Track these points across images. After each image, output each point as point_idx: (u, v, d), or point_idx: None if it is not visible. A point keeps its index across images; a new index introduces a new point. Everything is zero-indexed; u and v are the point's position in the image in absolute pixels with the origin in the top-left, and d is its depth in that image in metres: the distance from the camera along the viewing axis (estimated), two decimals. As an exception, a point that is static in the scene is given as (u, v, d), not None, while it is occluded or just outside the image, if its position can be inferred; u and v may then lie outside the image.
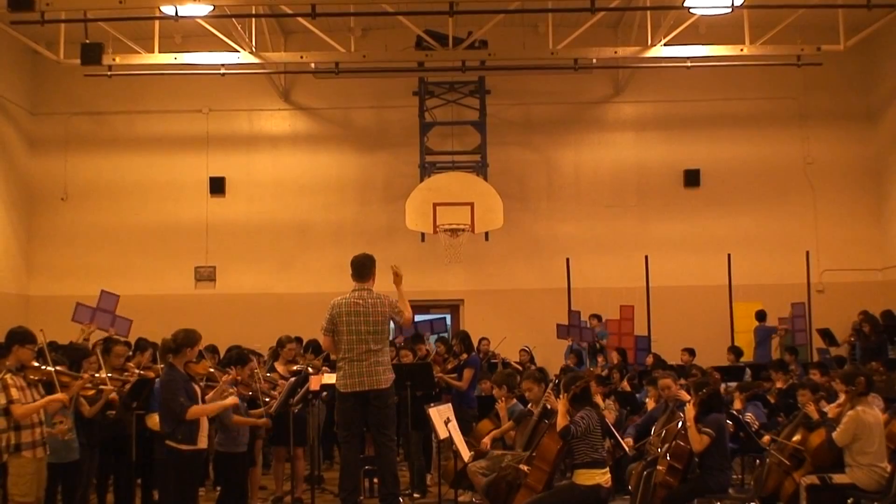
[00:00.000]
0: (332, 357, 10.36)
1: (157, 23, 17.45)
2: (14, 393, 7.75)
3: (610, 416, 11.48)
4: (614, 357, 17.45)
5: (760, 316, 18.66)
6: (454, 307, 20.86)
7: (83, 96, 20.49)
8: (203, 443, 8.35)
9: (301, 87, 21.01)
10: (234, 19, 17.17)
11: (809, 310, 18.82)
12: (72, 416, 8.75)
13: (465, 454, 9.90)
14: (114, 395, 9.37)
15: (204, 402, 8.46)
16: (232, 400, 8.80)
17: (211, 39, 17.90)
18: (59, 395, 8.04)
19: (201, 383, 8.82)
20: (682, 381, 11.32)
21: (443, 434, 9.83)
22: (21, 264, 20.36)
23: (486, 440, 10.20)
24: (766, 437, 10.30)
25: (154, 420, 9.67)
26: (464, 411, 12.18)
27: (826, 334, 18.44)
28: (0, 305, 18.68)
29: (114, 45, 17.72)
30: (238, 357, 10.34)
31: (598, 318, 18.95)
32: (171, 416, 8.17)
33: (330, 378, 10.42)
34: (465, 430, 10.88)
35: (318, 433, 12.12)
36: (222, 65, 18.26)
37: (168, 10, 15.84)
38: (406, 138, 20.16)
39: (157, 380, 9.04)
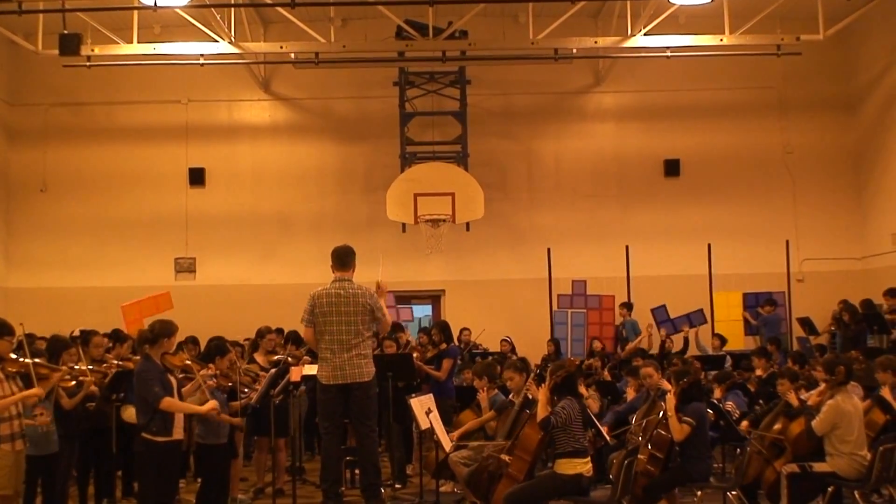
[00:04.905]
0: (314, 349, 10.33)
1: (135, 12, 17.36)
2: (-9, 385, 7.70)
3: (593, 406, 11.50)
4: (595, 345, 17.49)
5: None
6: (435, 297, 20.86)
7: (62, 87, 20.33)
8: (179, 434, 8.29)
9: (281, 77, 20.93)
10: (213, 9, 17.08)
11: (789, 299, 18.90)
12: (51, 408, 8.70)
13: (447, 444, 9.90)
14: (93, 388, 9.32)
15: (181, 395, 8.41)
16: (210, 405, 8.66)
17: (190, 29, 17.79)
18: (34, 391, 7.94)
19: (179, 375, 8.78)
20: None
21: (424, 424, 9.83)
22: (-1, 256, 20.27)
23: (455, 435, 10.19)
24: (744, 424, 10.34)
25: (129, 412, 9.63)
26: (442, 401, 12.12)
27: (806, 323, 18.52)
28: (-22, 298, 18.61)
29: (92, 36, 17.59)
30: (218, 348, 10.29)
31: (629, 306, 18.91)
32: (145, 406, 8.12)
33: (311, 369, 10.40)
34: (445, 420, 10.86)
35: (299, 424, 12.10)
36: (201, 55, 18.17)
37: (147, -1, 15.77)
38: (386, 128, 20.11)
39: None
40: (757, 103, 20.69)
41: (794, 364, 12.64)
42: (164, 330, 8.38)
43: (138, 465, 8.61)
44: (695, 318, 17.88)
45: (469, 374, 12.56)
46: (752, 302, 19.08)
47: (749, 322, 18.99)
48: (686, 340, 17.26)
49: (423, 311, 21.20)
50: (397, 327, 14.77)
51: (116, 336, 11.78)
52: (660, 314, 18.26)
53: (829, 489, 9.14)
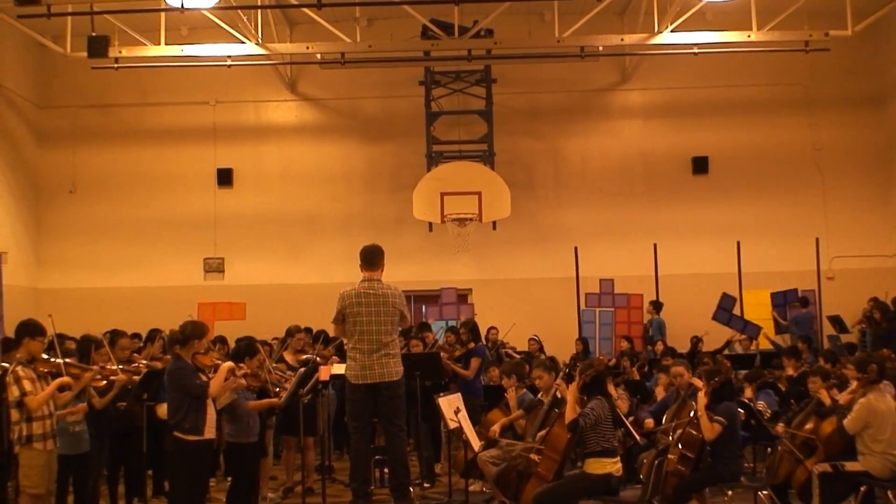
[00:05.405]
0: (345, 345, 10.33)
1: (163, 15, 17.46)
2: (27, 385, 7.79)
3: (622, 406, 11.45)
4: (623, 344, 17.42)
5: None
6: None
7: (90, 89, 20.49)
8: (210, 433, 8.32)
9: (307, 77, 21.01)
10: (239, 10, 17.14)
11: (819, 297, 18.78)
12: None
13: (475, 444, 9.89)
14: (126, 383, 9.37)
15: (212, 394, 8.48)
16: (242, 381, 8.86)
17: (217, 31, 17.87)
18: (64, 379, 8.02)
19: (210, 374, 8.81)
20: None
21: (452, 424, 9.82)
22: (30, 257, 20.41)
23: (496, 428, 10.18)
24: (780, 427, 10.24)
25: (163, 410, 9.66)
26: (470, 401, 12.09)
27: (836, 321, 18.41)
28: (10, 298, 18.57)
29: (120, 38, 17.69)
30: (247, 348, 10.32)
31: (657, 305, 18.85)
32: (178, 404, 8.15)
33: (339, 368, 10.41)
34: (473, 419, 10.85)
35: (328, 423, 12.12)
36: (228, 56, 18.25)
37: (174, 1, 15.80)
38: (413, 128, 20.15)
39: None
40: (785, 100, 20.56)
41: (825, 362, 12.56)
42: (195, 332, 8.42)
43: (169, 464, 8.66)
44: (749, 330, 17.71)
45: (496, 372, 12.53)
46: (781, 300, 18.97)
47: (778, 321, 18.87)
48: (729, 342, 17.21)
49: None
50: (424, 326, 14.77)
51: (150, 336, 11.86)
52: (725, 302, 18.08)
53: (862, 489, 9.08)
